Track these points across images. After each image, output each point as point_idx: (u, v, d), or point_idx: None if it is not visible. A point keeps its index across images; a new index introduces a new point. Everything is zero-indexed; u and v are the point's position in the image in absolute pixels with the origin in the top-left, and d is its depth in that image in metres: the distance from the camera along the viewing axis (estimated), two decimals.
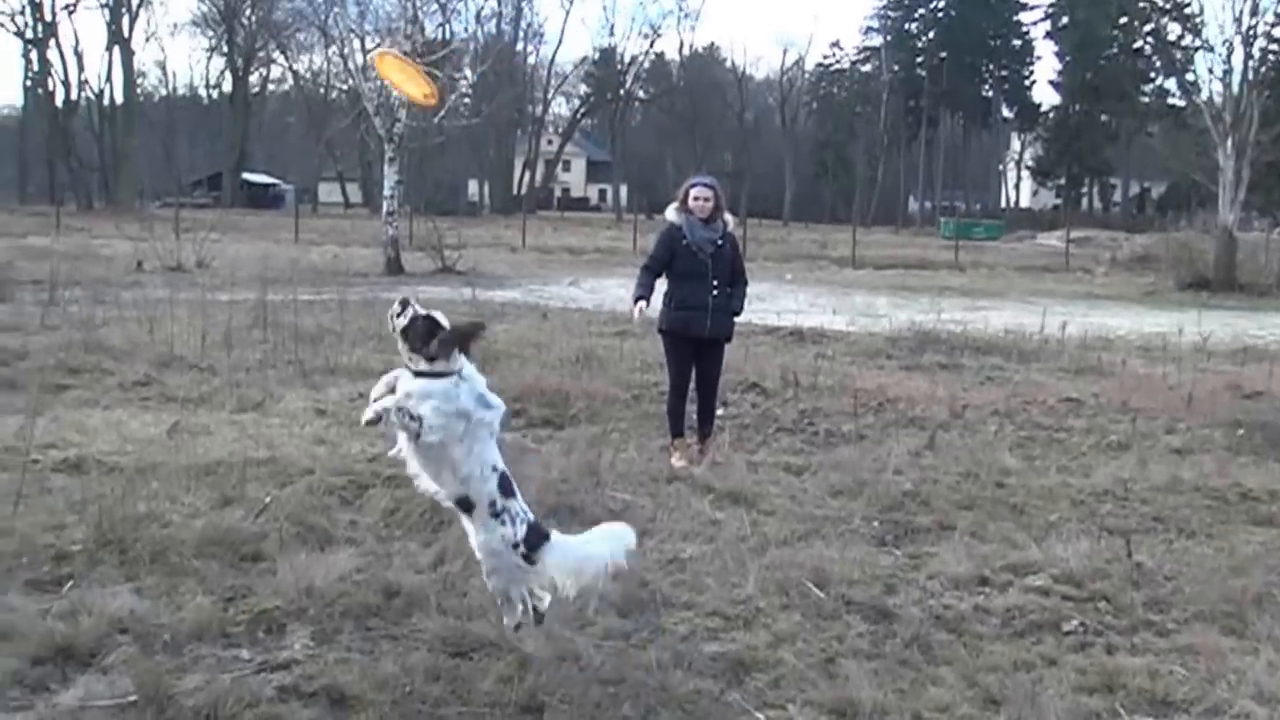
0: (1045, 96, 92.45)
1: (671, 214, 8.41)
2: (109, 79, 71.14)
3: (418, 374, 4.79)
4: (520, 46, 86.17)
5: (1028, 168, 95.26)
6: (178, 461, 7.49)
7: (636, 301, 8.31)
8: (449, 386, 4.78)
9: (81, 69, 77.57)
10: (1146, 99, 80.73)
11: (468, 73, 37.67)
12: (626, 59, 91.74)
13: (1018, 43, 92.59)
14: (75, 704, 4.28)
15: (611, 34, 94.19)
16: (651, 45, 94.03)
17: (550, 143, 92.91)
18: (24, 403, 9.19)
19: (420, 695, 4.43)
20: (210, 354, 11.83)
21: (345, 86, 56.50)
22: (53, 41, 67.74)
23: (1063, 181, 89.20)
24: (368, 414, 4.83)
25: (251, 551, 5.94)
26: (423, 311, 4.86)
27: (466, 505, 4.92)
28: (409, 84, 5.24)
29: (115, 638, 4.84)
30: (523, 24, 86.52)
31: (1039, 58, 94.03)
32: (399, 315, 4.85)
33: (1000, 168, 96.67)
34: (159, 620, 5.03)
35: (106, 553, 5.81)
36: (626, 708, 4.44)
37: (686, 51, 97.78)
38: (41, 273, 18.76)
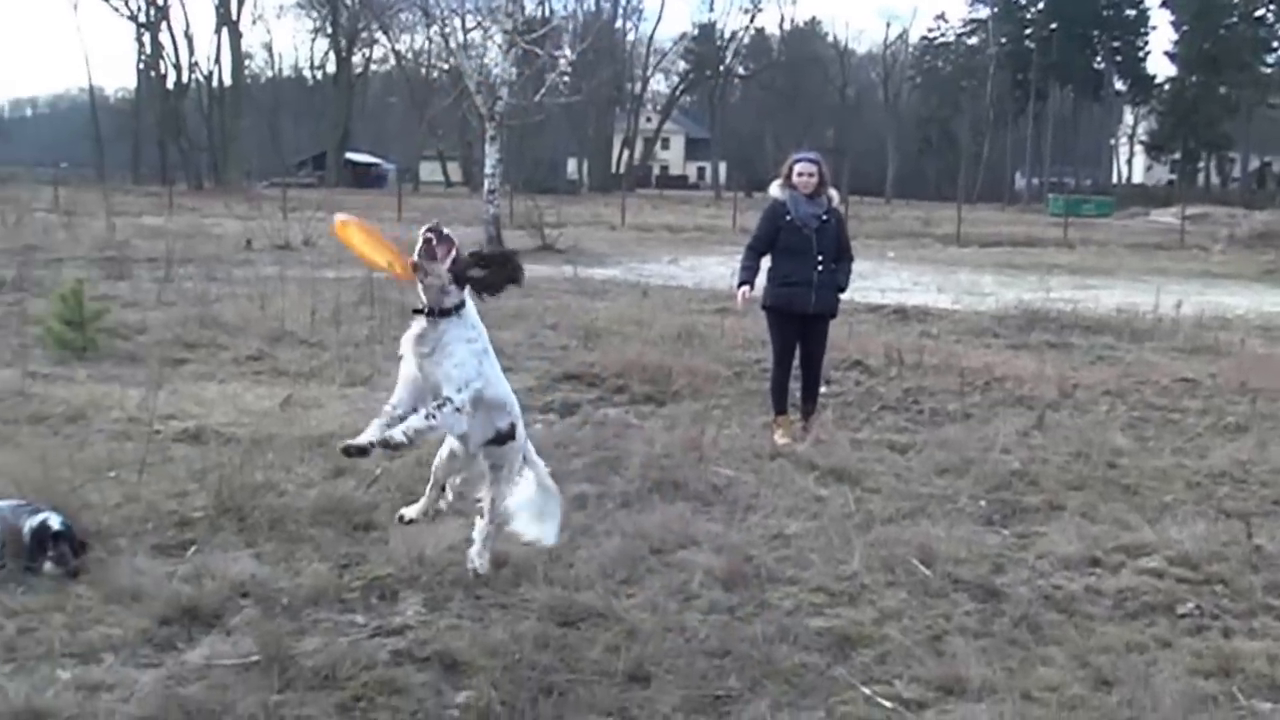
0: (1160, 68, 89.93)
1: (775, 190, 8.37)
2: (218, 61, 72.97)
3: (443, 313, 4.75)
4: (619, 23, 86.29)
5: (1141, 142, 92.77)
6: (291, 433, 7.69)
7: (740, 286, 8.31)
8: (470, 309, 4.85)
9: (192, 52, 79.43)
10: (1268, 69, 78.03)
11: (567, 50, 37.97)
12: (726, 34, 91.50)
13: (1131, 12, 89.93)
14: (201, 662, 4.45)
15: (711, 9, 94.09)
16: (752, 20, 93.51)
17: (649, 120, 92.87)
18: (145, 375, 9.53)
19: (529, 662, 4.51)
20: (319, 330, 12.10)
21: (447, 66, 57.14)
22: (164, 25, 69.66)
23: (1178, 156, 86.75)
24: (392, 435, 4.73)
25: (364, 521, 6.10)
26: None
27: (512, 430, 5.09)
28: (373, 252, 5.01)
29: (237, 601, 5.03)
30: (621, 1, 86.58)
31: (1154, 27, 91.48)
32: (446, 245, 4.72)
33: (1112, 143, 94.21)
34: (278, 585, 5.20)
35: (227, 519, 6.03)
36: (733, 679, 4.48)
37: (787, 26, 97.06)
38: (156, 251, 19.34)
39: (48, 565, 5.26)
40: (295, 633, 4.71)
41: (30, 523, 5.32)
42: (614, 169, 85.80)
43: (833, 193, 8.42)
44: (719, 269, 20.57)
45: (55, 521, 5.32)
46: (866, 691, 4.42)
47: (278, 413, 8.53)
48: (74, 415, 8.30)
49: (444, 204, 49.37)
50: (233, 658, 4.48)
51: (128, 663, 4.48)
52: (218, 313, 12.90)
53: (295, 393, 9.18)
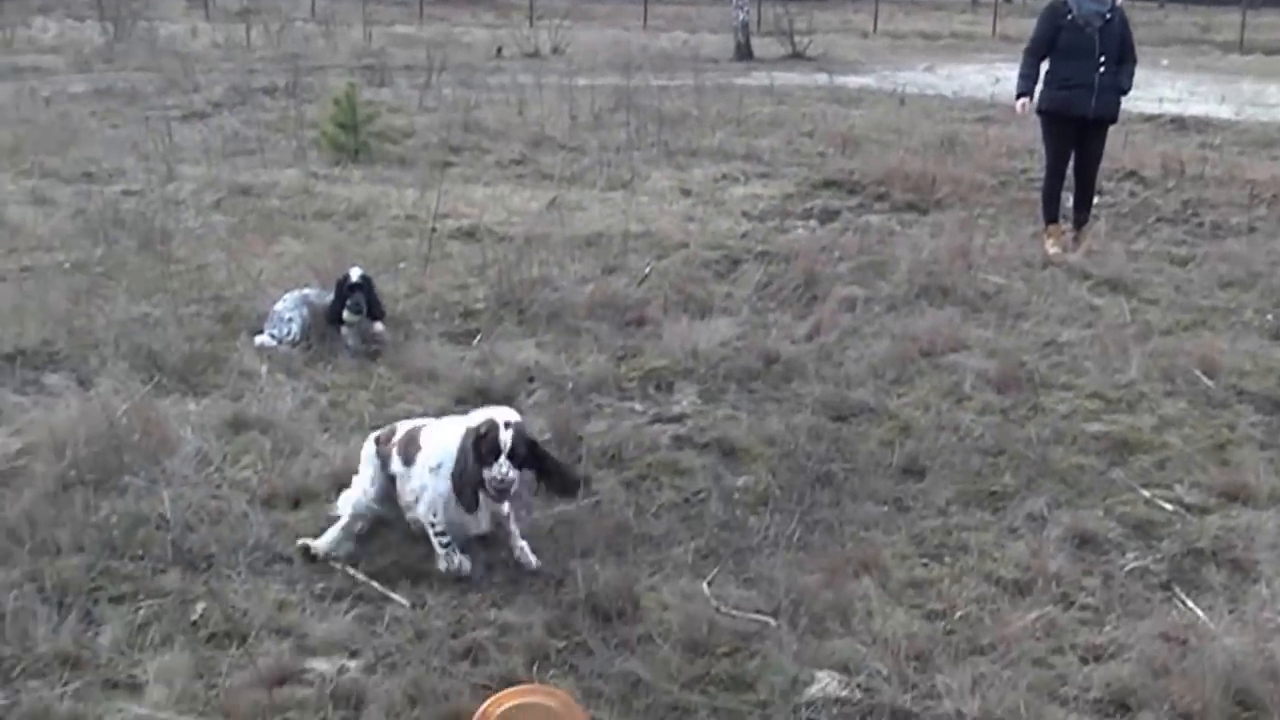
0: None
1: None
2: None
3: None
4: None
5: None
6: (561, 233, 7.95)
7: (1019, 98, 8.00)
8: None
9: None
10: None
11: None
12: None
13: None
14: None
15: None
16: None
17: None
18: (415, 177, 9.97)
19: (805, 452, 4.65)
20: (578, 135, 12.30)
21: None
22: None
23: None
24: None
25: (636, 316, 6.33)
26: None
27: None
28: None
29: (524, 385, 5.33)
30: None
31: None
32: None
33: None
34: (561, 371, 5.49)
35: (507, 311, 6.38)
36: (1007, 476, 4.51)
37: None
38: (411, 59, 19.80)
39: (346, 313, 5.73)
40: (581, 415, 4.98)
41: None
42: None
43: None
44: (978, 78, 19.69)
45: (355, 274, 5.84)
46: (1146, 494, 4.39)
47: (545, 213, 8.81)
48: (355, 213, 8.81)
49: (688, 11, 48.60)
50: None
51: None
52: (478, 119, 13.23)
53: (560, 195, 9.43)
